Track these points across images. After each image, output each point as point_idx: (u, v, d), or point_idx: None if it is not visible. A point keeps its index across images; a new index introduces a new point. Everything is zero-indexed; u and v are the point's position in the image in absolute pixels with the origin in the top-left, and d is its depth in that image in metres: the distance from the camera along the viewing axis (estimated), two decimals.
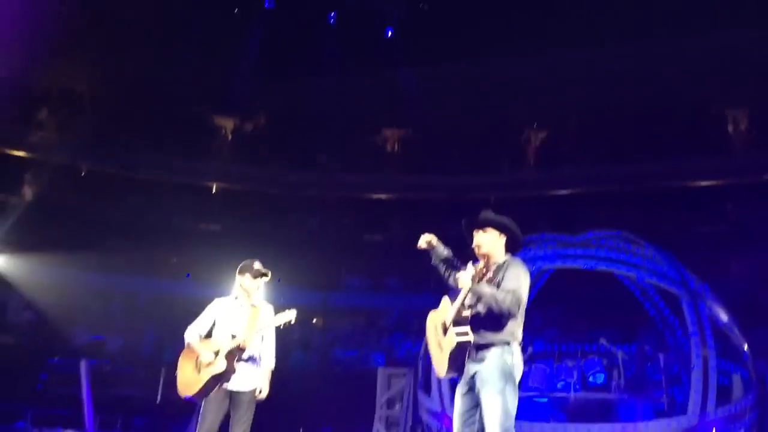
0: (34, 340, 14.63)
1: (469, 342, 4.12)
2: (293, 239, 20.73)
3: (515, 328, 4.25)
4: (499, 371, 4.12)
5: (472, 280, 3.99)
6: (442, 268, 4.61)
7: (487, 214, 4.48)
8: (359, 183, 21.62)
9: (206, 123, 22.44)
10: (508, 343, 4.20)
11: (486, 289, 4.10)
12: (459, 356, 4.17)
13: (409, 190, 21.77)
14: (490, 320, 4.18)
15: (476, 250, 4.40)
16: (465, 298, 4.11)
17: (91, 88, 20.73)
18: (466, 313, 4.15)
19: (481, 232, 4.40)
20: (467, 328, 4.13)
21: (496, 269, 4.27)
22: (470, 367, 4.20)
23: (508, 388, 4.12)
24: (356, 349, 18.34)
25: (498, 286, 4.16)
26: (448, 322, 4.17)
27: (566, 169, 20.03)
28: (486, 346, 4.17)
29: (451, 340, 4.13)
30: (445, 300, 4.31)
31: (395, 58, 20.62)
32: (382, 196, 22.39)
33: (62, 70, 19.82)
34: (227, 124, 23.11)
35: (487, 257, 4.34)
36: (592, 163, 19.88)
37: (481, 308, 4.18)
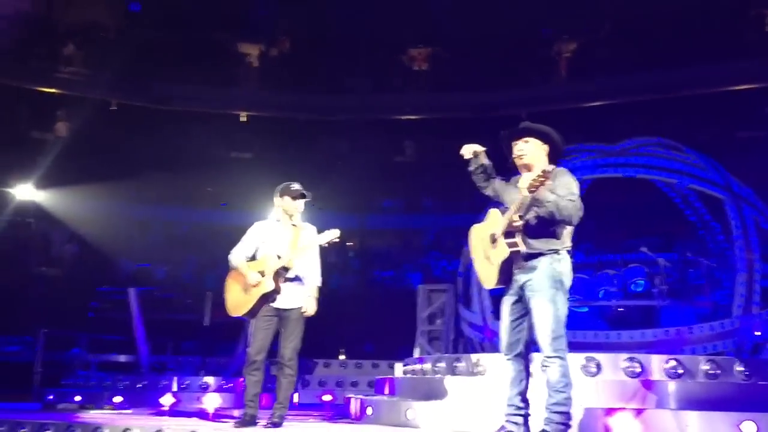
0: (80, 271, 15.05)
1: (521, 251, 4.10)
2: (325, 164, 20.77)
3: (565, 236, 4.23)
4: (550, 279, 4.13)
5: (528, 189, 3.90)
6: (482, 177, 4.54)
7: (527, 123, 4.39)
8: (388, 104, 21.37)
9: (231, 51, 22.22)
10: (558, 251, 4.19)
11: (550, 195, 4.01)
12: (509, 267, 4.17)
13: (440, 108, 21.47)
14: (541, 228, 4.15)
15: (517, 161, 4.32)
16: (520, 206, 4.04)
17: (116, 21, 20.56)
18: (518, 222, 4.11)
19: (521, 142, 4.32)
20: (518, 238, 4.11)
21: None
22: (519, 277, 4.20)
23: (559, 295, 4.14)
24: (393, 270, 18.60)
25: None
26: (499, 233, 4.14)
27: (599, 80, 19.53)
28: (536, 255, 4.15)
29: (503, 250, 4.11)
30: (494, 212, 4.25)
31: None
32: (413, 117, 22.15)
33: (86, 3, 19.66)
34: (252, 50, 22.85)
35: (529, 167, 4.28)
36: (627, 71, 19.31)
37: (532, 217, 4.13)
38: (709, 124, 18.21)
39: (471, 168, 4.55)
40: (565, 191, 4.06)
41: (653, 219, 11.41)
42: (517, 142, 4.33)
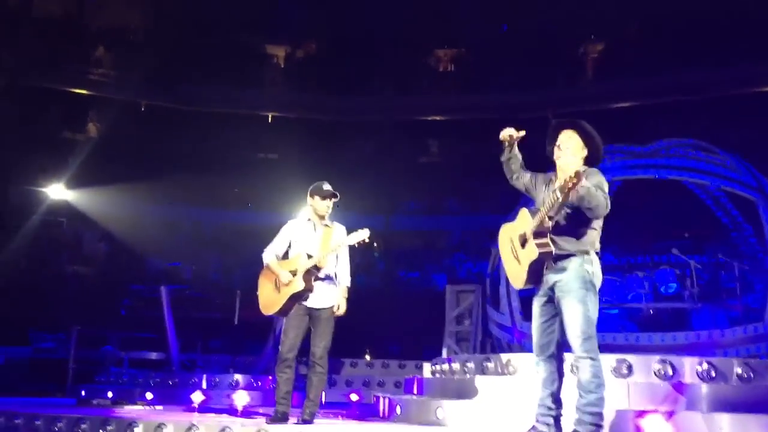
0: (111, 269, 15.29)
1: (551, 252, 4.10)
2: (350, 165, 20.83)
3: (595, 237, 4.22)
4: (581, 280, 4.12)
5: (561, 190, 3.88)
6: (513, 166, 4.48)
7: (576, 120, 4.38)
8: (414, 105, 21.42)
9: (258, 52, 22.42)
10: (587, 252, 4.18)
11: (600, 191, 3.99)
12: (539, 268, 4.17)
13: (465, 110, 21.45)
14: (571, 229, 4.15)
15: (556, 151, 4.29)
16: (552, 207, 4.04)
17: (145, 23, 20.85)
18: (549, 223, 4.11)
19: (567, 134, 4.29)
20: (548, 239, 4.11)
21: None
22: (549, 278, 4.20)
23: (589, 296, 4.13)
24: (418, 271, 18.61)
25: None
26: (530, 233, 4.15)
27: (627, 80, 19.37)
28: (566, 256, 4.15)
29: (532, 251, 4.11)
30: (524, 212, 4.25)
31: None
32: (437, 118, 22.16)
33: (115, 6, 19.96)
34: (279, 52, 23.05)
35: (564, 166, 4.26)
36: (655, 71, 19.13)
37: (562, 217, 4.14)
38: (741, 125, 17.96)
39: (503, 158, 4.51)
40: (601, 184, 4.07)
41: (684, 221, 11.30)
42: (566, 131, 4.30)
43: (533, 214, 4.17)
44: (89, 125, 18.94)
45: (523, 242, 4.18)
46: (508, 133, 4.45)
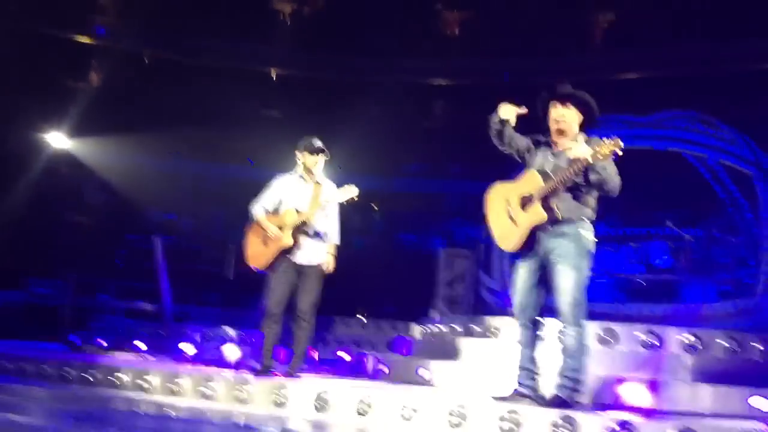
0: (109, 219, 15.30)
1: (557, 218, 4.07)
2: (353, 125, 20.68)
3: (594, 206, 4.22)
4: (579, 247, 4.12)
5: (595, 156, 3.83)
6: (507, 131, 4.36)
7: (569, 87, 4.31)
8: (419, 68, 21.16)
9: (264, 7, 22.10)
10: (586, 220, 4.18)
11: (610, 166, 3.98)
12: (538, 231, 4.14)
13: (471, 74, 21.21)
14: (573, 195, 4.13)
15: (553, 125, 4.26)
16: (567, 180, 3.99)
17: None
18: (561, 186, 4.07)
19: (560, 105, 4.25)
20: (554, 204, 4.07)
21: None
22: (546, 242, 4.17)
23: (584, 263, 4.14)
24: (416, 233, 18.64)
25: None
26: (537, 196, 4.10)
27: (636, 51, 19.12)
28: (566, 222, 4.13)
29: (537, 214, 4.06)
30: (534, 174, 4.14)
31: None
32: (443, 82, 21.94)
33: None
34: (285, 7, 22.71)
35: (563, 133, 4.23)
36: (664, 43, 18.87)
37: (571, 182, 4.08)
38: (743, 102, 17.76)
39: (495, 120, 4.37)
40: (611, 164, 4.02)
41: (681, 193, 11.25)
42: (557, 105, 4.26)
43: (544, 177, 4.10)
44: (91, 74, 18.77)
45: (525, 204, 4.14)
46: (512, 110, 4.34)
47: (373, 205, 19.37)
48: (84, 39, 18.56)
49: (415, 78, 21.13)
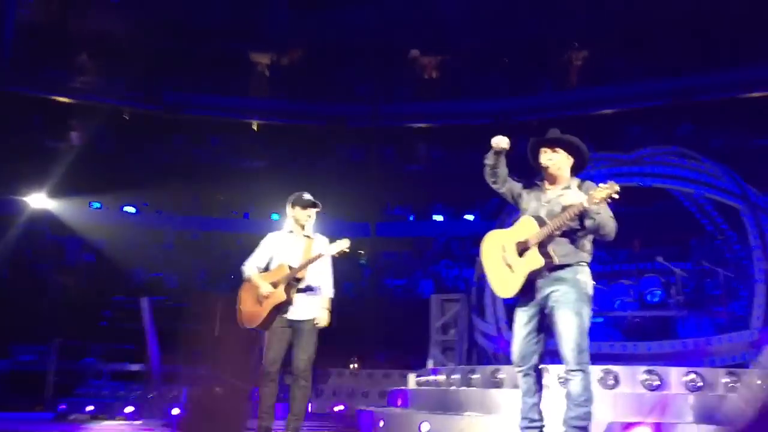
0: (94, 279, 15.10)
1: (554, 263, 4.02)
2: (336, 172, 20.78)
3: (590, 248, 4.17)
4: (578, 291, 4.05)
5: (592, 201, 3.81)
6: (500, 171, 4.31)
7: (557, 132, 4.31)
8: (399, 112, 21.41)
9: (243, 60, 22.35)
10: (583, 263, 4.13)
11: (605, 211, 3.95)
12: (535, 277, 4.09)
13: (450, 117, 21.48)
14: (569, 239, 4.09)
15: (545, 170, 4.25)
16: (572, 217, 3.96)
17: (129, 30, 20.70)
18: (557, 232, 4.04)
19: (551, 151, 4.25)
20: (551, 249, 4.03)
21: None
22: (545, 288, 4.12)
23: (585, 307, 4.07)
24: (405, 278, 18.53)
25: None
26: (534, 242, 4.07)
27: (611, 87, 19.51)
28: (563, 266, 4.09)
29: (535, 261, 4.01)
30: (529, 220, 4.11)
31: None
32: (423, 125, 22.17)
33: (99, 13, 19.82)
34: (264, 59, 22.98)
35: (554, 177, 4.22)
36: (639, 78, 19.28)
37: (567, 227, 4.04)
38: (725, 131, 18.10)
39: (489, 162, 4.33)
40: (606, 208, 3.99)
41: (670, 228, 11.30)
42: (546, 150, 4.26)
43: (540, 223, 4.07)
44: (72, 133, 18.74)
45: (522, 251, 4.09)
46: (504, 141, 4.32)
47: (360, 252, 19.30)
48: (63, 99, 18.61)
49: (396, 122, 21.34)
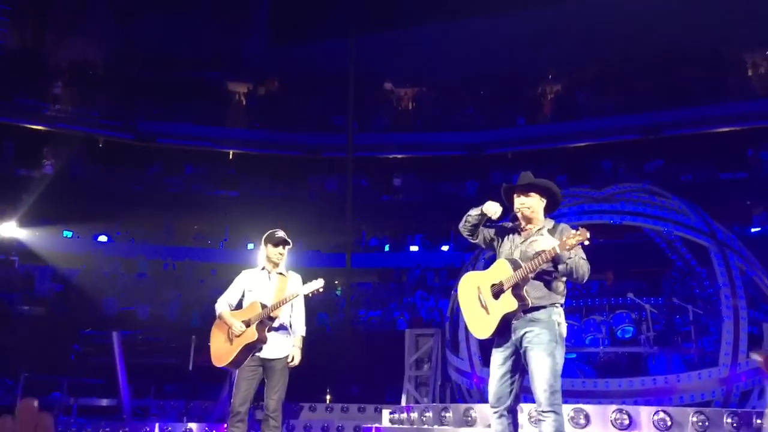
0: (63, 311, 14.84)
1: (528, 305, 4.07)
2: (312, 202, 20.80)
3: (564, 290, 4.23)
4: (551, 332, 4.10)
5: (563, 247, 3.88)
6: (481, 227, 4.42)
7: (530, 177, 4.40)
8: (375, 143, 21.56)
9: (220, 89, 22.41)
10: (557, 304, 4.18)
11: (577, 255, 4.02)
12: (510, 319, 4.13)
13: (425, 148, 21.69)
14: (543, 281, 4.14)
15: (519, 214, 4.33)
16: (545, 261, 4.02)
17: (104, 59, 20.70)
18: (531, 275, 4.10)
19: (523, 195, 4.33)
20: (525, 291, 4.08)
21: (548, 233, 4.20)
22: (519, 329, 4.16)
23: (558, 349, 4.11)
24: (380, 309, 18.46)
25: None
26: (508, 285, 4.12)
27: (583, 120, 19.86)
28: (537, 308, 4.14)
29: (509, 303, 4.06)
30: (504, 263, 4.16)
31: (406, 15, 20.38)
32: (399, 156, 22.33)
33: (76, 42, 19.81)
34: (241, 89, 23.08)
35: (529, 220, 4.30)
36: (610, 112, 19.68)
37: (541, 270, 4.09)
38: (693, 166, 18.48)
39: (475, 216, 4.39)
40: (579, 250, 4.05)
41: (640, 264, 11.44)
42: (519, 195, 4.34)
43: (514, 266, 4.12)
44: (45, 161, 18.56)
45: (497, 293, 4.13)
46: (496, 212, 4.40)
47: (335, 282, 19.23)
48: (37, 127, 18.46)
49: (372, 152, 21.46)
